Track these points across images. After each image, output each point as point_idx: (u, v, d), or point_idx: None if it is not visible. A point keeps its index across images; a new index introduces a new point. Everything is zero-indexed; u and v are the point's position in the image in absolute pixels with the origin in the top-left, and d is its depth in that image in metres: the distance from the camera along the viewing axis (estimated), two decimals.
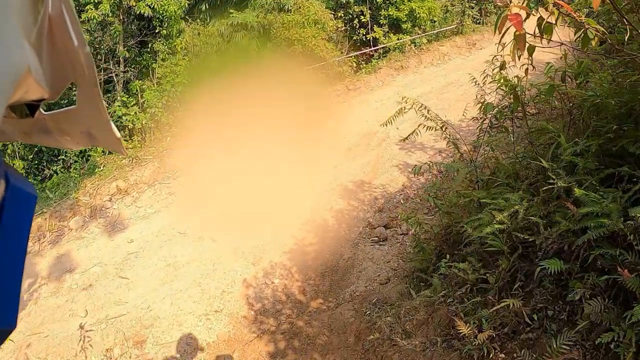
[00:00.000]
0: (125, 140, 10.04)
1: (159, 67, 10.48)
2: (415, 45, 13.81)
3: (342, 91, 11.06)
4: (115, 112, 10.02)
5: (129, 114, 10.29)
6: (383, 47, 13.13)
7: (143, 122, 10.28)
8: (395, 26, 13.52)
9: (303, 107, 9.93)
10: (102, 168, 9.62)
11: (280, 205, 7.07)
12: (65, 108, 0.61)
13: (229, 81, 10.69)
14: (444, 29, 15.16)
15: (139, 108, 10.54)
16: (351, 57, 12.12)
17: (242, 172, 7.68)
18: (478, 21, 15.97)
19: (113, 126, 0.64)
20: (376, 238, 6.61)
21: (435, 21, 14.58)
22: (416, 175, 7.97)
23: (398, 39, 13.29)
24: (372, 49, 12.72)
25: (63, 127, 0.63)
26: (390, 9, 13.04)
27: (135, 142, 10.24)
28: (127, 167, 9.42)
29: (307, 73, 10.60)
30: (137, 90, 10.56)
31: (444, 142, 9.36)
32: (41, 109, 0.56)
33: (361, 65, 12.35)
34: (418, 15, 13.34)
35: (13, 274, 0.35)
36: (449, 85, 12.24)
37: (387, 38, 13.21)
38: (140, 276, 6.74)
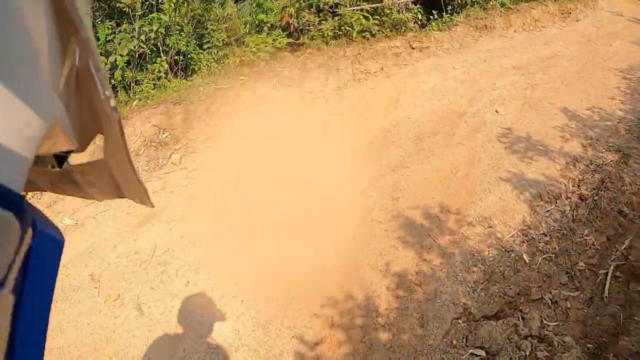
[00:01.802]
0: None
1: None
2: (500, 3, 9.95)
3: (403, 49, 7.29)
4: None
5: None
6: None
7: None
8: None
9: (342, 67, 6.36)
10: None
11: (294, 253, 3.54)
12: (92, 160, 0.59)
13: (235, 22, 7.04)
14: None
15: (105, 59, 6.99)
16: (416, 5, 8.26)
17: (241, 171, 4.17)
18: None
19: (139, 177, 0.61)
20: (481, 350, 2.96)
21: None
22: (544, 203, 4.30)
23: None
24: None
25: (89, 178, 0.63)
26: None
27: None
28: None
29: (349, 15, 6.89)
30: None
31: (576, 142, 5.60)
32: (68, 161, 0.56)
33: (431, 17, 8.49)
34: None
35: (40, 323, 0.34)
36: (553, 57, 8.49)
37: None
38: None
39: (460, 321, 3.13)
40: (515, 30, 9.74)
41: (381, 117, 5.56)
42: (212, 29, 6.64)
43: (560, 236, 4.00)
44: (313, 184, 4.23)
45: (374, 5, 7.18)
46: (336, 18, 6.77)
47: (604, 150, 5.38)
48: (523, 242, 3.78)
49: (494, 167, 4.60)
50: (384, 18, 7.34)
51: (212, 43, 6.60)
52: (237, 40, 6.62)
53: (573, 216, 4.26)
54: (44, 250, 0.33)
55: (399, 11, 7.64)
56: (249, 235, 3.78)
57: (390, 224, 3.82)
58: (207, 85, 5.91)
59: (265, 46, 6.36)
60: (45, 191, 0.65)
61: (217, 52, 6.59)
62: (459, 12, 9.24)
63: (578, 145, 5.29)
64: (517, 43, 9.04)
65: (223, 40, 6.55)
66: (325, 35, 6.71)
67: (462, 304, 3.22)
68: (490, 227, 3.84)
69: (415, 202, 4.08)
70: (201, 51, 6.85)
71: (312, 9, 6.82)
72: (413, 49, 7.41)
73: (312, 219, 3.83)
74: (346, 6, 6.88)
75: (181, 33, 6.90)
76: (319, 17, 6.81)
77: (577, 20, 11.78)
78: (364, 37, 7.03)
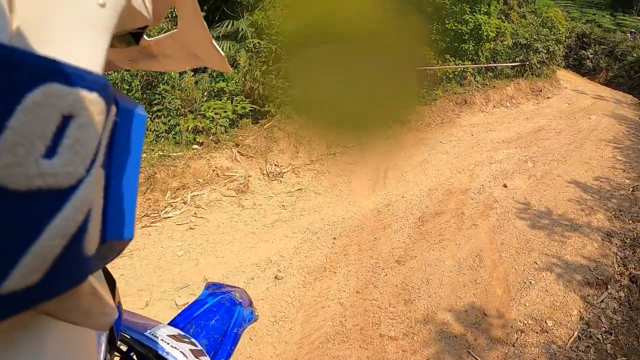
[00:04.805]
0: None
1: None
2: (475, 78, 9.60)
3: None
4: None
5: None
6: (431, 71, 8.83)
7: None
8: (451, 47, 9.34)
9: (316, 139, 5.62)
10: None
11: None
12: (168, 32, 0.56)
13: (192, 92, 6.22)
14: (509, 64, 11.38)
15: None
16: None
17: None
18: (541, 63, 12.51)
19: (216, 44, 0.56)
20: None
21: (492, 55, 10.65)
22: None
23: (458, 64, 9.05)
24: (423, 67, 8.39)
25: (167, 51, 0.59)
26: (448, 22, 8.88)
27: None
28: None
29: None
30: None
31: (601, 214, 4.73)
32: (145, 36, 0.53)
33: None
34: (484, 35, 9.16)
35: (132, 189, 0.34)
36: (540, 131, 8.05)
37: (439, 60, 8.97)
38: None
39: None
40: (494, 106, 9.36)
41: (368, 195, 4.64)
42: (164, 89, 5.69)
43: (624, 332, 3.00)
44: (288, 284, 3.18)
45: None
46: None
47: (630, 221, 4.58)
48: (589, 347, 2.76)
49: (524, 251, 3.67)
50: None
51: (164, 105, 5.62)
52: (192, 112, 5.72)
53: (630, 303, 3.30)
54: (128, 124, 0.33)
55: None
56: None
57: (409, 341, 2.75)
58: (151, 151, 4.89)
59: (225, 112, 5.51)
60: (125, 68, 0.62)
61: (169, 119, 5.61)
62: (434, 87, 8.78)
63: (604, 218, 4.48)
64: (499, 118, 8.57)
65: (176, 108, 5.64)
66: (296, 102, 5.93)
67: None
68: (546, 331, 2.83)
69: (438, 304, 3.05)
70: (149, 116, 5.91)
71: (280, 74, 6.07)
72: (391, 123, 6.70)
73: (294, 339, 2.74)
74: None
75: (127, 93, 5.99)
76: (288, 82, 6.05)
77: (548, 98, 12.17)
78: None
